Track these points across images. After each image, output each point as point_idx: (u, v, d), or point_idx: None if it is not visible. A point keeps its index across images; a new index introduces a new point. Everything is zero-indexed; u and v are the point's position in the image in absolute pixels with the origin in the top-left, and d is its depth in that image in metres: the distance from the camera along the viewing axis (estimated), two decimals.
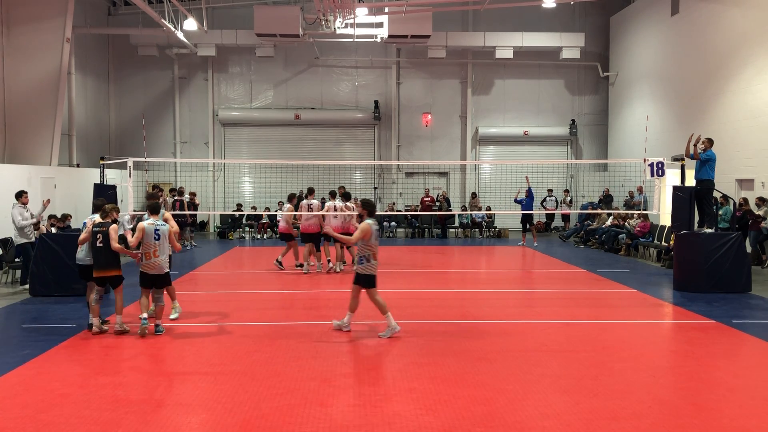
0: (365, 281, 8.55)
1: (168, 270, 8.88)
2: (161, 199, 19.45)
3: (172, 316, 9.55)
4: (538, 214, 24.18)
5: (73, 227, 14.71)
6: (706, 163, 12.47)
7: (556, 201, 24.00)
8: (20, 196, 12.29)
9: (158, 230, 8.65)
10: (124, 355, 7.82)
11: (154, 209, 8.89)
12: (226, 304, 10.75)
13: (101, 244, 8.60)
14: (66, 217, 14.68)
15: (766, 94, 16.16)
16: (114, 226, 8.74)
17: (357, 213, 14.46)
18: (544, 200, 23.84)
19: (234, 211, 23.51)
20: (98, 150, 22.91)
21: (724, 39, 17.88)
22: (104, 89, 25.19)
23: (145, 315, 8.62)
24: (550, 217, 23.53)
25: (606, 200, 23.32)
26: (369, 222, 8.54)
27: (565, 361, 7.55)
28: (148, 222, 8.67)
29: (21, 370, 7.12)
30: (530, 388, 6.54)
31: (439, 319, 9.81)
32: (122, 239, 8.86)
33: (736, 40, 17.39)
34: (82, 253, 9.05)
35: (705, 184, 12.56)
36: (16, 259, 13.03)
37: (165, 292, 8.98)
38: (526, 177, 20.37)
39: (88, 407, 5.99)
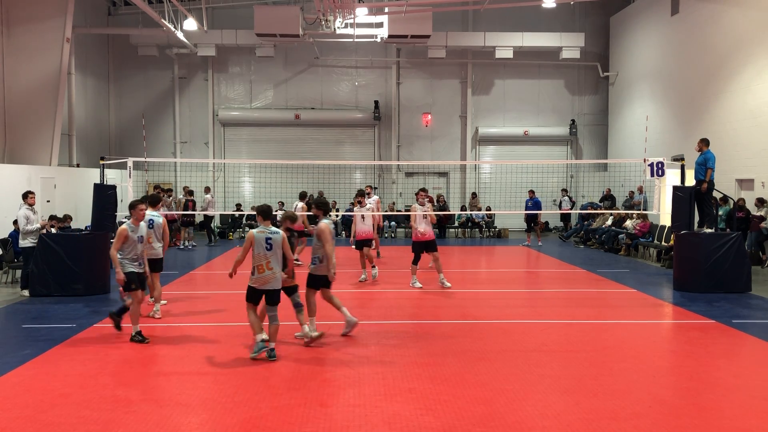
0: (316, 282, 8.37)
1: (280, 288, 7.70)
2: (171, 199, 20.02)
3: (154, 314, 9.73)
4: (550, 214, 24.14)
5: (73, 228, 14.71)
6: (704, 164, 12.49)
7: (571, 201, 23.93)
8: (26, 196, 12.16)
9: (270, 239, 7.53)
10: (124, 355, 7.82)
11: (266, 214, 7.72)
12: (226, 304, 10.73)
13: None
14: (67, 218, 14.67)
15: (766, 94, 16.16)
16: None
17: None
18: (560, 202, 23.71)
19: (234, 211, 23.52)
20: (98, 150, 22.91)
21: (724, 39, 17.88)
22: (104, 89, 25.19)
23: (263, 336, 7.56)
24: (567, 217, 23.44)
25: (609, 200, 23.29)
26: (327, 222, 8.35)
27: (565, 361, 7.55)
28: (258, 230, 7.61)
29: (21, 370, 7.12)
30: (530, 388, 6.54)
31: (439, 319, 9.81)
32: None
33: (736, 40, 17.38)
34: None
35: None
36: (16, 260, 13.02)
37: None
38: (531, 192, 20.87)
39: (88, 407, 5.99)
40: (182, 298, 11.23)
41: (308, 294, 8.41)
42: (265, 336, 7.54)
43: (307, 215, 12.63)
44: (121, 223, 9.08)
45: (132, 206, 8.57)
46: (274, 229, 7.62)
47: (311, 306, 8.37)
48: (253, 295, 7.67)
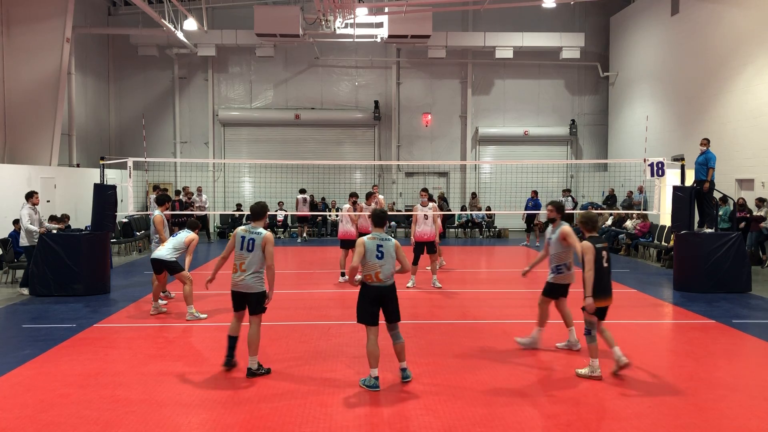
0: (555, 291, 7.90)
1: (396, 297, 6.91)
2: (191, 198, 20.74)
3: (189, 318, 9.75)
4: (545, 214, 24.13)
5: (73, 228, 14.70)
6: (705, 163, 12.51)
7: (573, 201, 23.92)
8: (30, 196, 12.13)
9: (381, 246, 6.59)
10: (124, 355, 7.82)
11: (379, 220, 6.84)
12: (226, 305, 10.71)
13: None
14: (65, 217, 14.65)
15: (766, 94, 16.16)
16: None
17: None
18: (570, 203, 23.68)
19: (234, 211, 23.52)
20: (98, 150, 22.92)
21: (724, 39, 17.88)
22: (104, 89, 25.19)
23: (376, 373, 6.58)
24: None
25: (609, 201, 23.26)
26: (568, 225, 7.76)
27: (565, 361, 7.55)
28: (369, 237, 6.68)
29: (21, 370, 7.12)
30: (530, 388, 6.54)
31: (439, 319, 9.81)
32: None
33: (736, 40, 17.38)
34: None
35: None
36: (16, 260, 13.02)
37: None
38: (534, 192, 20.92)
39: (88, 407, 5.99)
40: (181, 299, 11.20)
41: (542, 302, 8.02)
42: (376, 373, 6.57)
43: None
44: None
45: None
46: (385, 235, 6.71)
47: (543, 316, 7.94)
48: (366, 310, 6.63)
